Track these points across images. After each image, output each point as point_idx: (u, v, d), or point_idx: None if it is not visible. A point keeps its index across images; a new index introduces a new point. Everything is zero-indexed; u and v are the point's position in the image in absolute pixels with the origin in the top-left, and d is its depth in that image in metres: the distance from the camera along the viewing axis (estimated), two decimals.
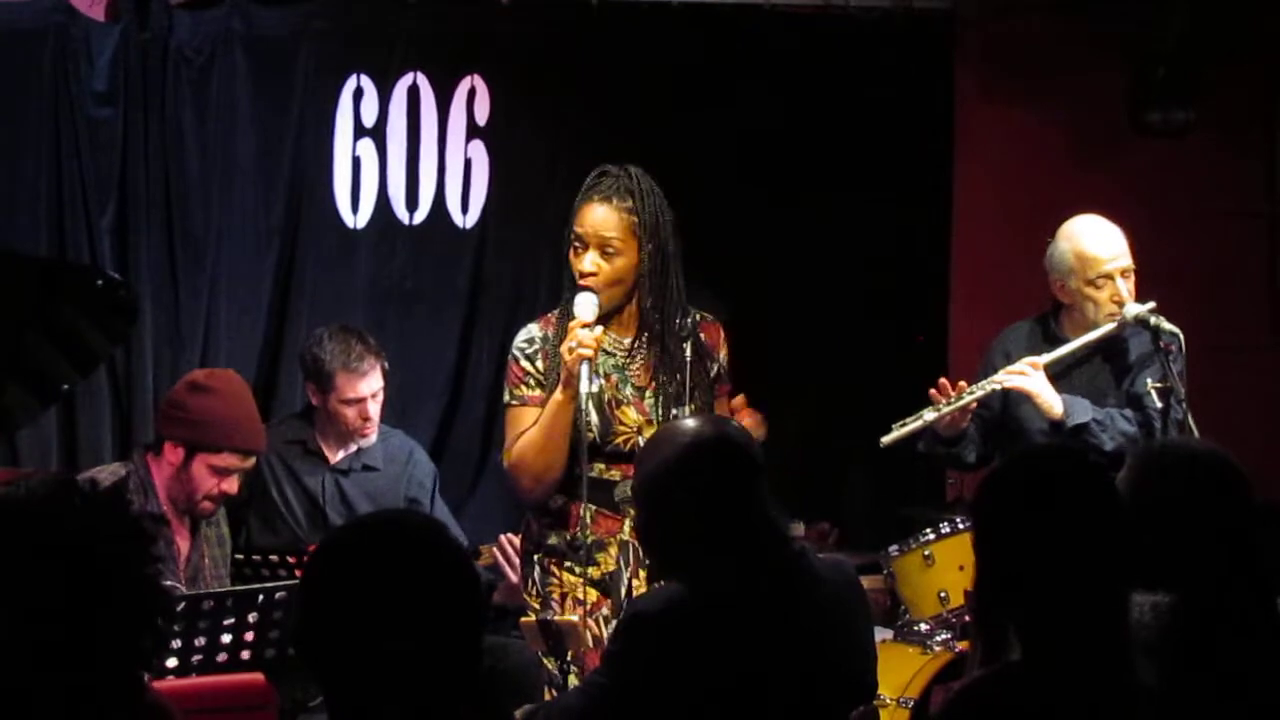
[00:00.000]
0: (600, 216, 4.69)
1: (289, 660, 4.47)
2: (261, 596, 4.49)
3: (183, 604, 4.40)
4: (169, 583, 4.86)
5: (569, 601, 4.71)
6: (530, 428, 4.70)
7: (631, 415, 4.75)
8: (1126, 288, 5.48)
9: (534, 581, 4.80)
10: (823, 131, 6.99)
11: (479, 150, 6.69)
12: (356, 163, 6.54)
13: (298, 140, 6.44)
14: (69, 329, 4.76)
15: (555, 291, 6.62)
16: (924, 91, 7.10)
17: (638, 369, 4.78)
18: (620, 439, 4.71)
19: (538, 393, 4.75)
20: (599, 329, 4.62)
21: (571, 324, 4.61)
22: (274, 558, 5.32)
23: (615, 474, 4.66)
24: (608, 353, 4.74)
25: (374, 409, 5.76)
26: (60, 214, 6.10)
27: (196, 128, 6.25)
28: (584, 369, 4.55)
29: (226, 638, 4.44)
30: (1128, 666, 3.08)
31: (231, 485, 5.15)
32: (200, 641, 4.40)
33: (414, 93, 6.59)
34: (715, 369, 4.87)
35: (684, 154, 6.77)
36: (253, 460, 5.24)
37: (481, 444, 6.78)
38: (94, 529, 2.61)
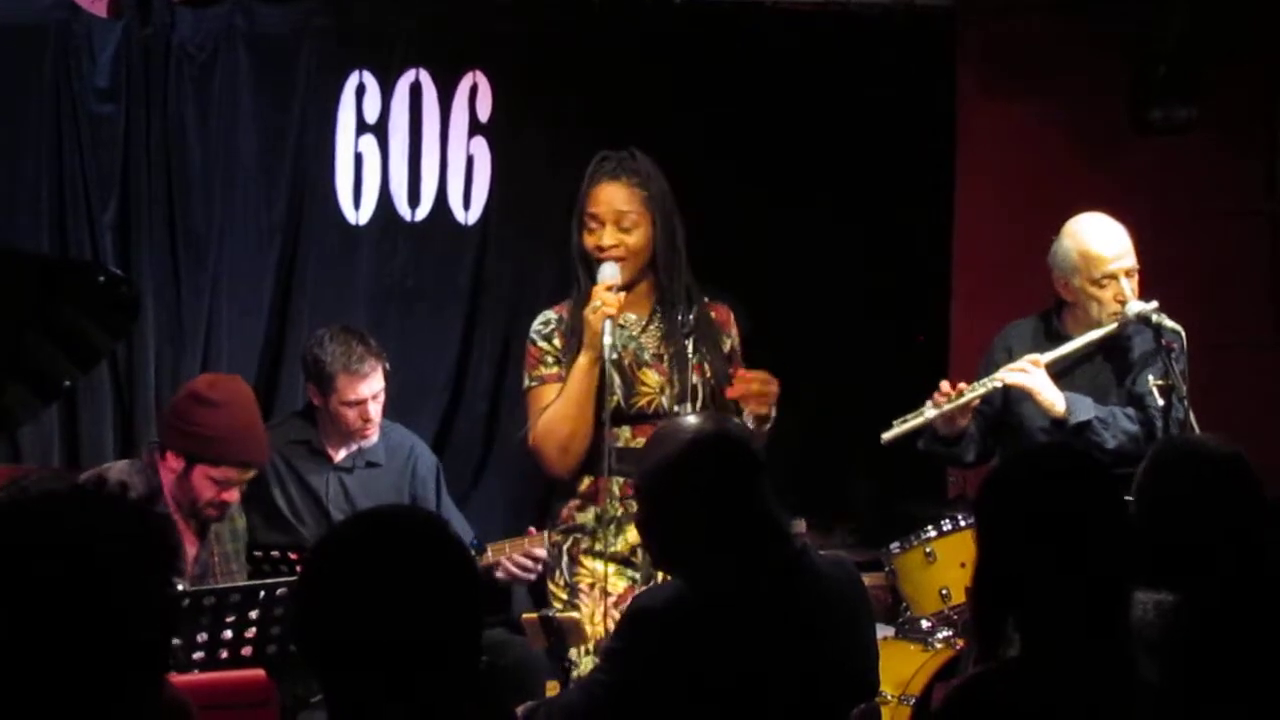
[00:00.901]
0: (614, 193, 4.83)
1: (291, 656, 4.47)
2: (263, 593, 4.48)
3: (185, 600, 4.40)
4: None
5: (597, 591, 4.74)
6: (551, 407, 4.78)
7: (653, 377, 4.84)
8: (1130, 287, 5.48)
9: (561, 572, 4.85)
10: (823, 130, 6.99)
11: (481, 147, 6.69)
12: (358, 159, 6.54)
13: (300, 137, 6.44)
14: (70, 326, 4.76)
15: (557, 287, 6.66)
16: (925, 90, 7.11)
17: (653, 341, 4.88)
18: (644, 400, 4.81)
19: (556, 370, 4.86)
20: (621, 294, 4.76)
21: (595, 287, 4.74)
22: (276, 554, 5.32)
23: (641, 441, 4.67)
24: (621, 326, 4.82)
25: (375, 410, 5.75)
26: (62, 211, 6.09)
27: (198, 125, 6.24)
28: (606, 326, 4.67)
29: (228, 634, 4.44)
30: (1128, 663, 3.09)
31: (233, 495, 5.15)
32: (202, 638, 4.40)
33: (416, 89, 6.59)
34: (729, 345, 4.99)
35: (684, 152, 6.76)
36: (253, 472, 5.23)
37: (483, 442, 6.78)
38: (112, 532, 2.61)
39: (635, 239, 4.84)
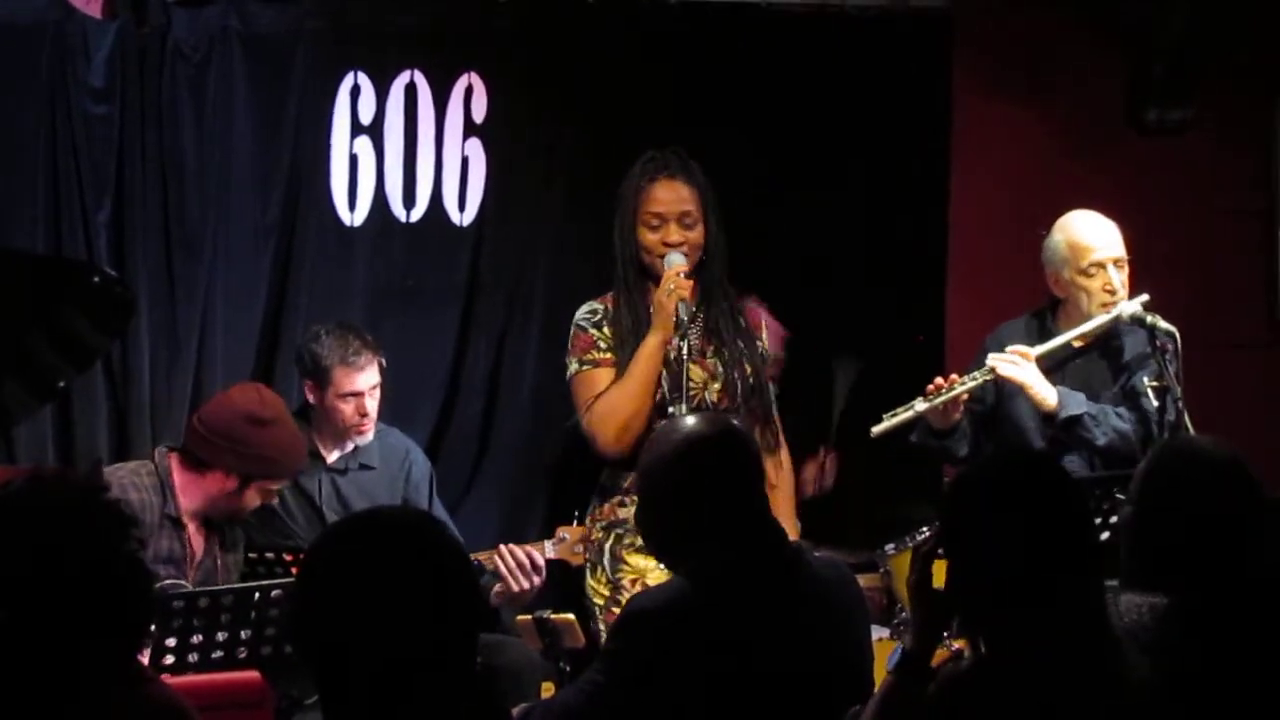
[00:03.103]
0: (675, 191, 5.06)
1: (285, 658, 4.47)
2: (258, 594, 4.49)
3: (180, 602, 4.40)
4: (170, 580, 4.87)
5: (639, 586, 4.81)
6: (612, 390, 4.96)
7: (698, 372, 5.00)
8: (1119, 277, 5.48)
9: (603, 569, 4.95)
10: (819, 131, 6.98)
11: (476, 148, 6.68)
12: (353, 160, 6.53)
13: (295, 137, 6.43)
14: (65, 326, 4.78)
15: (553, 288, 6.67)
16: (921, 90, 7.09)
17: (697, 336, 5.04)
18: (689, 395, 4.94)
19: (609, 355, 5.03)
20: (690, 280, 4.99)
21: (668, 271, 4.96)
22: (270, 555, 5.32)
23: None
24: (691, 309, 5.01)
25: (371, 405, 5.75)
26: (57, 211, 6.09)
27: (193, 124, 6.24)
28: (680, 308, 4.90)
29: (223, 635, 4.44)
30: (1109, 662, 3.10)
31: (272, 499, 5.31)
32: (197, 639, 4.40)
33: (411, 90, 6.57)
34: (761, 346, 5.19)
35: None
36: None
37: (478, 443, 6.76)
38: (70, 522, 2.62)
39: (695, 235, 5.06)
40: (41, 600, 2.57)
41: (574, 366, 5.10)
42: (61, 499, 2.66)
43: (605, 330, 5.06)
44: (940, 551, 3.29)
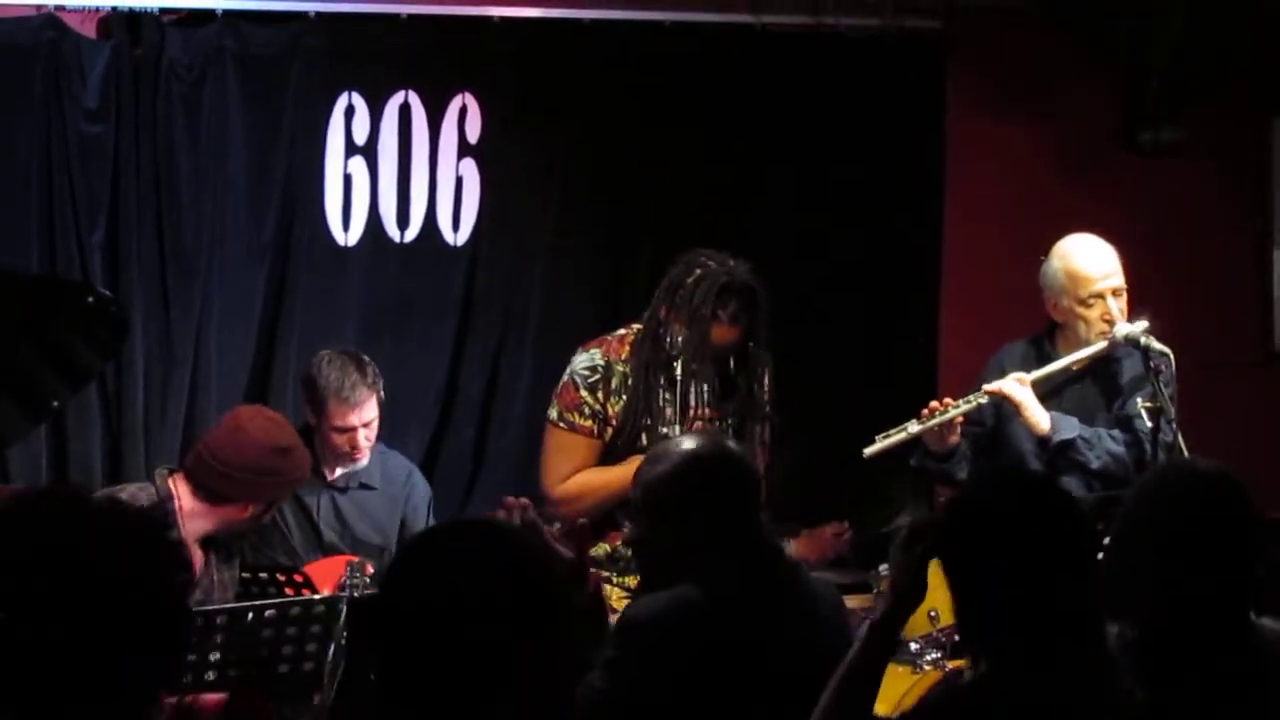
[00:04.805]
0: (734, 336, 5.00)
1: (279, 678, 4.46)
2: (251, 614, 4.48)
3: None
4: None
5: None
6: (594, 476, 4.94)
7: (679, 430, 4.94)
8: (1118, 306, 5.48)
9: None
10: (814, 151, 6.99)
11: (470, 168, 6.68)
12: (348, 180, 6.53)
13: (289, 157, 6.43)
14: (60, 346, 4.77)
15: (546, 309, 6.67)
16: (915, 111, 7.10)
17: (708, 392, 5.02)
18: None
19: (590, 424, 4.97)
20: None
21: None
22: (264, 575, 5.30)
23: None
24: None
25: (363, 438, 5.74)
26: (51, 230, 6.10)
27: (188, 144, 6.24)
28: None
29: (216, 655, 4.43)
30: (1105, 682, 3.11)
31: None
32: (190, 659, 4.38)
33: (405, 111, 6.58)
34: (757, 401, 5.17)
35: (675, 173, 6.77)
36: None
37: (472, 463, 6.76)
38: (139, 553, 2.59)
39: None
40: (79, 615, 2.54)
41: (554, 414, 5.07)
42: (135, 524, 2.63)
43: (597, 395, 4.98)
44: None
